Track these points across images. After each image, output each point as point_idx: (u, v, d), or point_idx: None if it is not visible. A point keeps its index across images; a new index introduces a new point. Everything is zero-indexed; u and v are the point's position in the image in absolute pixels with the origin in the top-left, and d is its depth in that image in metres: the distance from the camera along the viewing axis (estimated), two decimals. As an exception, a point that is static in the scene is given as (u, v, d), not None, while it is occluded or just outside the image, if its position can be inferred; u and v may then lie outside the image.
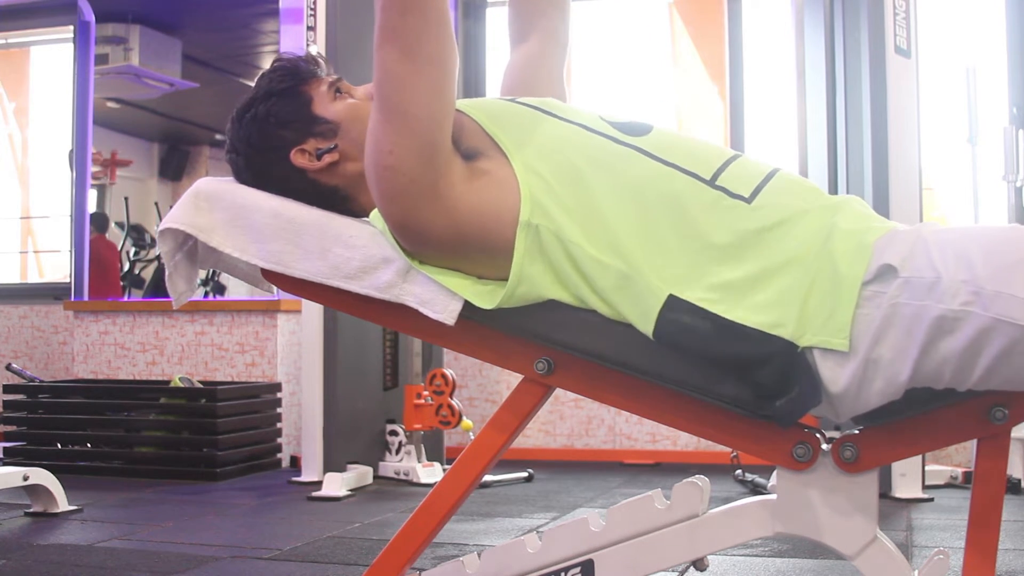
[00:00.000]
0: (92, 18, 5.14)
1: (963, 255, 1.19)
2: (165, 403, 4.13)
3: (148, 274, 5.40)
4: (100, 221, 5.37)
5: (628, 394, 1.37)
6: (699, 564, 1.37)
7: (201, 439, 4.02)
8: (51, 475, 3.14)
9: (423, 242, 1.36)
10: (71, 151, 5.12)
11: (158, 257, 4.58)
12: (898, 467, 3.35)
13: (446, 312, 1.37)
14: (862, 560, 1.30)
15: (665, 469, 4.28)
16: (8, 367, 4.60)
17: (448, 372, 3.75)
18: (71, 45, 5.20)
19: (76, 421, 4.19)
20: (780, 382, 1.24)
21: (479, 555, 1.43)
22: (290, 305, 4.38)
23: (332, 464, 3.71)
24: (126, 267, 5.41)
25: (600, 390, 1.39)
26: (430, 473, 3.85)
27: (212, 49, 5.64)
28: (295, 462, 4.23)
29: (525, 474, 3.89)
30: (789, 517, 1.33)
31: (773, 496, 1.34)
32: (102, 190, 5.47)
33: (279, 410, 4.32)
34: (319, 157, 1.46)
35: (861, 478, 1.31)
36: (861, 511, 1.30)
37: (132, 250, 5.43)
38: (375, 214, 1.41)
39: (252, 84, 1.54)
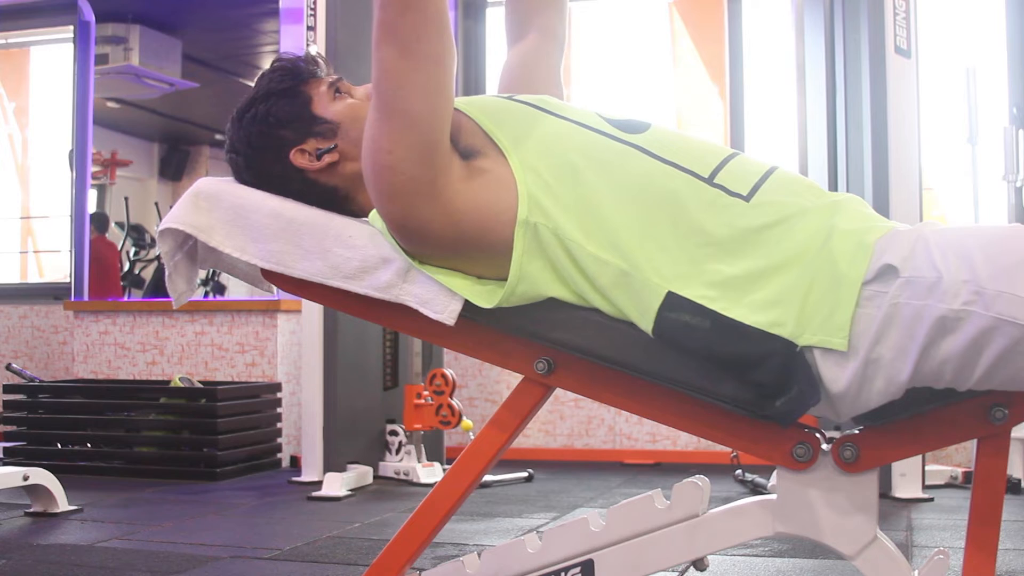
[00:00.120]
0: (92, 18, 5.14)
1: (964, 255, 1.19)
2: (165, 403, 4.13)
3: (148, 274, 5.39)
4: (100, 221, 5.36)
5: (628, 394, 1.37)
6: (699, 564, 1.37)
7: (201, 439, 4.02)
8: (51, 475, 3.14)
9: (422, 241, 1.36)
10: (71, 151, 5.12)
11: (158, 257, 4.58)
12: (898, 467, 3.34)
13: (446, 312, 1.37)
14: (862, 560, 1.30)
15: (665, 469, 4.28)
16: (8, 367, 4.60)
17: (448, 372, 3.74)
18: (71, 45, 5.20)
19: (76, 421, 4.18)
20: (779, 381, 1.24)
21: (479, 555, 1.43)
22: (290, 305, 4.38)
23: (332, 464, 3.71)
24: (126, 267, 5.41)
25: (600, 390, 1.39)
26: (430, 473, 3.85)
27: (212, 49, 5.64)
28: (295, 462, 4.23)
29: (525, 474, 3.89)
30: (789, 517, 1.33)
31: (773, 496, 1.34)
32: (102, 190, 5.47)
33: (279, 410, 4.32)
34: (319, 157, 1.46)
35: (861, 478, 1.31)
36: (861, 511, 1.30)
37: (132, 250, 5.43)
38: (374, 214, 1.41)
39: (252, 84, 1.54)
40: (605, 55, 5.06)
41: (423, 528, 1.44)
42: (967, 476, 3.60)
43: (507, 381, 4.60)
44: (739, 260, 1.28)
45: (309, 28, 3.75)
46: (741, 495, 2.91)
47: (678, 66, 4.88)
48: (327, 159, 1.46)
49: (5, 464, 3.66)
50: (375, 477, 3.86)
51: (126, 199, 5.47)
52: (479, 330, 1.40)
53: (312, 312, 3.75)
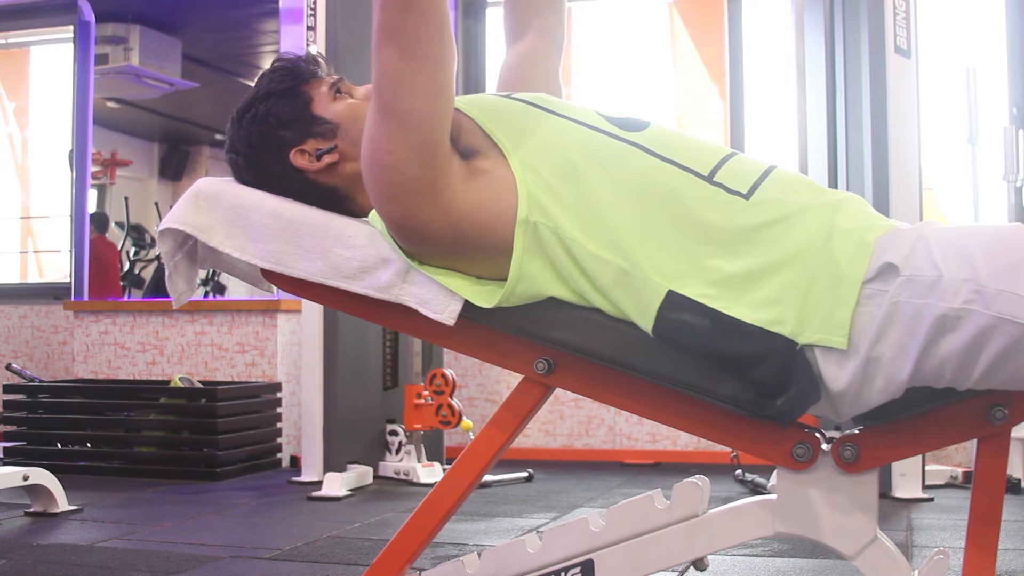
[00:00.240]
0: (92, 18, 5.14)
1: (965, 254, 1.19)
2: (165, 403, 4.13)
3: (148, 274, 5.39)
4: (100, 221, 5.36)
5: (628, 394, 1.37)
6: (699, 564, 1.37)
7: (201, 439, 4.02)
8: (51, 475, 3.14)
9: (422, 241, 1.36)
10: (71, 151, 5.12)
11: (158, 257, 4.58)
12: (898, 467, 3.34)
13: (446, 312, 1.37)
14: (862, 560, 1.30)
15: (665, 469, 4.28)
16: (8, 367, 4.60)
17: (448, 372, 3.74)
18: (71, 45, 5.20)
19: (76, 421, 4.18)
20: (779, 379, 1.24)
21: (479, 555, 1.43)
22: (290, 305, 4.38)
23: (332, 464, 3.71)
24: (126, 267, 5.41)
25: (600, 390, 1.39)
26: (430, 473, 3.85)
27: (212, 49, 5.64)
28: (295, 462, 4.23)
29: (525, 474, 3.89)
30: (789, 517, 1.33)
31: (773, 496, 1.34)
32: (102, 190, 5.46)
33: (279, 410, 4.32)
34: (319, 157, 1.46)
35: (861, 478, 1.31)
36: (861, 511, 1.30)
37: (132, 250, 5.43)
38: (373, 214, 1.41)
39: (252, 84, 1.54)
40: (605, 55, 5.06)
41: (423, 528, 1.44)
42: (967, 476, 3.60)
43: (507, 381, 4.60)
44: (739, 258, 1.28)
45: (309, 28, 3.75)
46: (741, 495, 2.91)
47: (678, 66, 4.88)
48: (327, 159, 1.46)
49: (5, 464, 3.66)
50: (375, 477, 3.86)
51: (126, 199, 5.47)
52: (479, 330, 1.40)
53: (312, 312, 3.75)
